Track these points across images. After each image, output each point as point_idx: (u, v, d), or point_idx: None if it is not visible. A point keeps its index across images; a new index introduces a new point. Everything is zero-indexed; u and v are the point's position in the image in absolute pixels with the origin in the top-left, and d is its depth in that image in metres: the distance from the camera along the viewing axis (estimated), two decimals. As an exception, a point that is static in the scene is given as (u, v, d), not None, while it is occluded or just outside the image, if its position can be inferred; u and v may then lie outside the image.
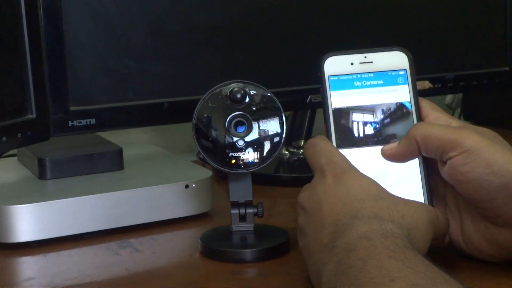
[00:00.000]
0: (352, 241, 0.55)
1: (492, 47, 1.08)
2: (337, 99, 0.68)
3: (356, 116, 0.67)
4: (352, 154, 0.66)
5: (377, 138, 0.67)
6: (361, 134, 0.67)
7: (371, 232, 0.56)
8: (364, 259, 0.52)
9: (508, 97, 1.24)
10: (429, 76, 1.02)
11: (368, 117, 0.67)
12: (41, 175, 0.87)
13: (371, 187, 0.61)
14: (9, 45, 0.78)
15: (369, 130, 0.67)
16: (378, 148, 0.67)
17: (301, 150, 1.07)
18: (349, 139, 0.67)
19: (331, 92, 0.68)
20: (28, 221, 0.76)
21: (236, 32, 0.92)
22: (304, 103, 0.97)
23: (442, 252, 0.67)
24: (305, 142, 1.06)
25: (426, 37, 1.03)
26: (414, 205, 0.61)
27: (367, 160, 0.66)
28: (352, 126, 0.67)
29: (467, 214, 0.66)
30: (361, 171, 0.64)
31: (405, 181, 0.66)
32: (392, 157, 0.66)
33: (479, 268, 0.65)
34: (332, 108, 0.67)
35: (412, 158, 0.66)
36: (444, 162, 0.63)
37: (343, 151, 0.65)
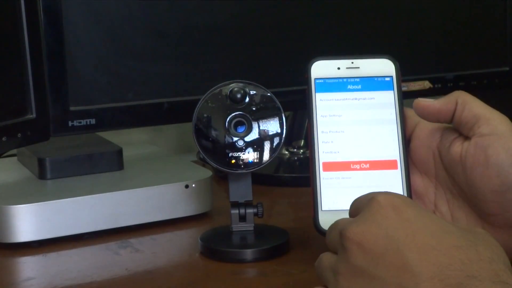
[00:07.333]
0: None
1: (492, 47, 1.08)
2: (322, 102, 0.68)
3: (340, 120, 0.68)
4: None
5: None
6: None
7: None
8: None
9: (508, 97, 1.24)
10: (429, 76, 1.01)
11: (352, 123, 0.68)
12: (41, 175, 0.87)
13: (445, 225, 0.50)
14: (9, 45, 0.78)
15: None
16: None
17: (301, 150, 1.07)
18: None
19: (316, 94, 0.69)
20: (28, 221, 0.76)
21: (236, 32, 0.92)
22: (304, 103, 0.97)
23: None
24: (305, 142, 1.07)
25: (426, 37, 1.03)
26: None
27: None
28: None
29: (461, 216, 0.65)
30: None
31: (384, 185, 0.66)
32: (424, 109, 0.65)
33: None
34: (316, 111, 0.68)
35: (441, 118, 0.65)
36: (467, 139, 0.63)
37: None
